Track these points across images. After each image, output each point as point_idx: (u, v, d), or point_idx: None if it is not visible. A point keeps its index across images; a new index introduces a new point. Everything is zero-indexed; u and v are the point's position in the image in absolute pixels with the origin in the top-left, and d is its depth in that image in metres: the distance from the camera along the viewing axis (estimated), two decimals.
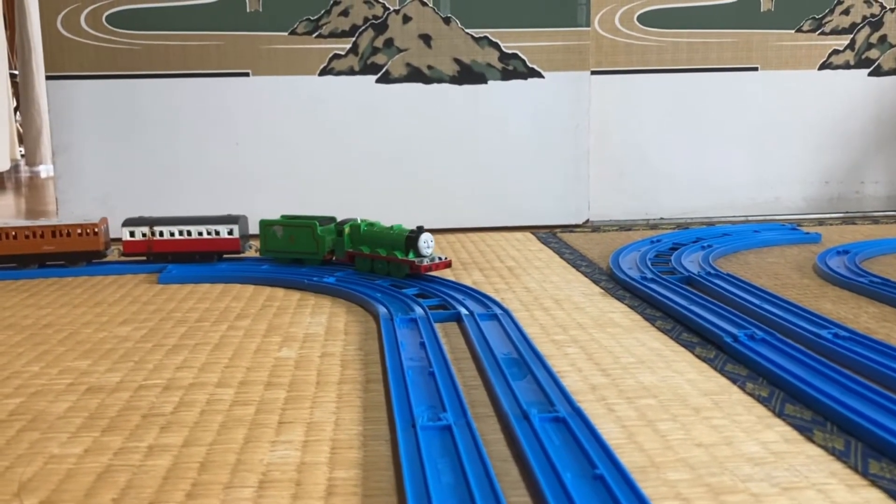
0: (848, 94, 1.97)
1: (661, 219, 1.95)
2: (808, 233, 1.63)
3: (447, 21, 1.79)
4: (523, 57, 1.81)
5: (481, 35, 1.80)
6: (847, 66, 1.96)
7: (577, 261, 1.44)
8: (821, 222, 1.87)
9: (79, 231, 1.41)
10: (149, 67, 1.75)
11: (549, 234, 1.76)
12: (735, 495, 0.56)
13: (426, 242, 1.20)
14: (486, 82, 1.82)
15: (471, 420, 0.66)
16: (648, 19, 1.90)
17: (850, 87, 1.97)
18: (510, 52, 1.81)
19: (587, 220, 1.88)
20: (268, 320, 1.06)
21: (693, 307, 1.03)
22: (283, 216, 1.43)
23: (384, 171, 1.82)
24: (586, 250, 1.55)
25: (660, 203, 1.96)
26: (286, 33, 1.77)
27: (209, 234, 1.40)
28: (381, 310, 1.05)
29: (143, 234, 1.42)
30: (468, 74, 1.81)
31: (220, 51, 1.76)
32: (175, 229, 1.41)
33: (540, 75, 1.82)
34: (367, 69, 1.79)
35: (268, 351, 0.92)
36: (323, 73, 1.79)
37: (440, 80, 1.81)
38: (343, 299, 1.18)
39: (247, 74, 1.77)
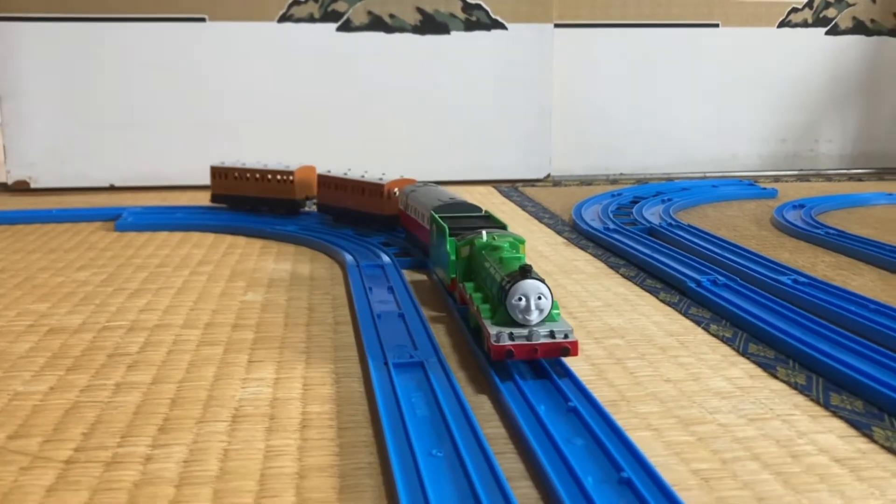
0: (805, 52, 2.00)
1: (621, 174, 1.96)
2: (764, 188, 1.66)
3: None
4: (486, 7, 1.79)
5: None
6: (805, 24, 1.98)
7: (539, 213, 1.45)
8: (776, 179, 1.91)
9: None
10: (101, 10, 1.69)
11: (511, 188, 1.76)
12: (704, 426, 0.57)
13: (523, 300, 0.64)
14: (448, 33, 1.79)
15: (443, 357, 0.67)
16: None
17: (807, 45, 2.00)
18: (473, 2, 1.79)
19: (548, 175, 1.88)
20: (231, 266, 1.05)
21: (656, 255, 1.04)
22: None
23: (345, 120, 1.80)
24: (548, 203, 1.55)
25: (620, 159, 1.97)
26: None
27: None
28: (348, 257, 1.04)
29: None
30: (431, 24, 1.79)
31: None
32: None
33: (503, 27, 1.80)
34: (328, 17, 1.76)
35: (233, 295, 0.91)
36: (282, 19, 1.74)
37: (402, 30, 1.78)
38: (307, 247, 1.16)
39: (203, 20, 1.72)
